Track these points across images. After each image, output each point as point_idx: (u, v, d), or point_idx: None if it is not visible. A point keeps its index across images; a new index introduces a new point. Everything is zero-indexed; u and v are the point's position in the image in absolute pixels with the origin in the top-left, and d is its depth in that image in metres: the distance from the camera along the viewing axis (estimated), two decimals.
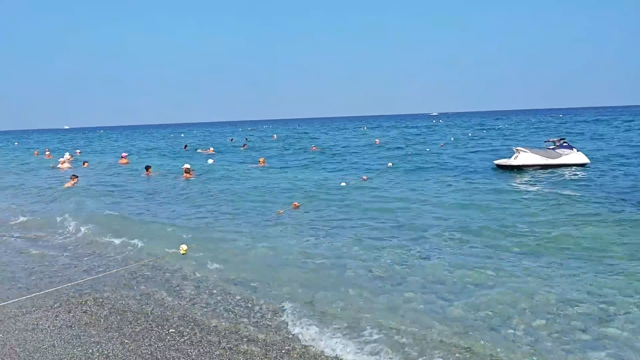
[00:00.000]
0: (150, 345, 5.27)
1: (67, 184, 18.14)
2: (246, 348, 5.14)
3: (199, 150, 38.40)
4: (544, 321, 5.41)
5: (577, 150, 19.62)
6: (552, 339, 5.03)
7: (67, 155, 31.10)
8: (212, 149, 37.94)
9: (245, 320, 5.84)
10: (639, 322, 5.31)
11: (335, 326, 5.50)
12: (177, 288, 7.02)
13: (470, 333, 5.20)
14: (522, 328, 5.29)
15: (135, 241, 9.54)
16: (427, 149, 29.84)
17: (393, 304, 6.00)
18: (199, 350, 5.14)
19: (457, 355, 4.80)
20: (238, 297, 6.57)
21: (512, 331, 5.24)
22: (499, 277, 6.77)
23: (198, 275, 7.52)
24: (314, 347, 5.14)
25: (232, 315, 6.00)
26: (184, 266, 7.95)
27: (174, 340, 5.38)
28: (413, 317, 5.63)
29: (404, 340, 5.09)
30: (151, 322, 5.86)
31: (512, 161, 18.81)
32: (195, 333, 5.53)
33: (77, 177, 18.74)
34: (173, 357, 5.00)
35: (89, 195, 16.07)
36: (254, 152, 35.01)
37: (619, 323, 5.31)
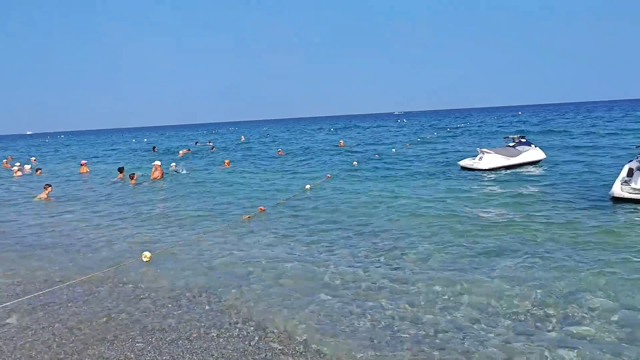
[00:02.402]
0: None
1: (41, 195, 16.82)
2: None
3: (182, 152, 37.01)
4: (510, 322, 5.51)
5: (535, 147, 20.25)
6: (521, 341, 5.09)
7: (26, 166, 29.02)
8: (182, 150, 37.33)
9: (214, 331, 5.67)
10: (605, 318, 5.46)
11: (299, 339, 5.44)
12: (139, 298, 6.76)
13: (440, 335, 5.24)
14: (491, 329, 5.37)
15: (96, 248, 9.21)
16: (393, 150, 30.09)
17: (362, 312, 5.98)
18: None
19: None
20: (207, 308, 6.39)
21: (482, 332, 5.30)
22: (467, 282, 6.85)
23: (161, 284, 7.28)
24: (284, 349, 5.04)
25: (201, 325, 5.82)
26: (147, 274, 7.69)
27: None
28: (384, 322, 5.62)
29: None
30: (112, 331, 5.61)
31: (477, 163, 19.00)
32: (159, 345, 5.33)
33: (50, 185, 17.32)
34: None
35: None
36: (222, 153, 34.61)
37: (585, 321, 5.45)
